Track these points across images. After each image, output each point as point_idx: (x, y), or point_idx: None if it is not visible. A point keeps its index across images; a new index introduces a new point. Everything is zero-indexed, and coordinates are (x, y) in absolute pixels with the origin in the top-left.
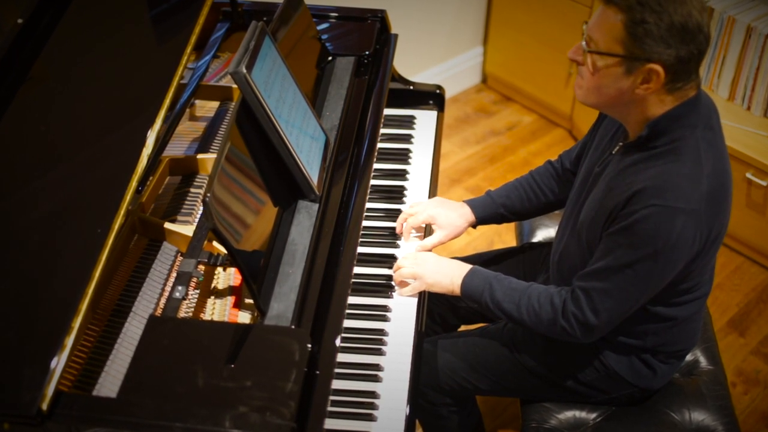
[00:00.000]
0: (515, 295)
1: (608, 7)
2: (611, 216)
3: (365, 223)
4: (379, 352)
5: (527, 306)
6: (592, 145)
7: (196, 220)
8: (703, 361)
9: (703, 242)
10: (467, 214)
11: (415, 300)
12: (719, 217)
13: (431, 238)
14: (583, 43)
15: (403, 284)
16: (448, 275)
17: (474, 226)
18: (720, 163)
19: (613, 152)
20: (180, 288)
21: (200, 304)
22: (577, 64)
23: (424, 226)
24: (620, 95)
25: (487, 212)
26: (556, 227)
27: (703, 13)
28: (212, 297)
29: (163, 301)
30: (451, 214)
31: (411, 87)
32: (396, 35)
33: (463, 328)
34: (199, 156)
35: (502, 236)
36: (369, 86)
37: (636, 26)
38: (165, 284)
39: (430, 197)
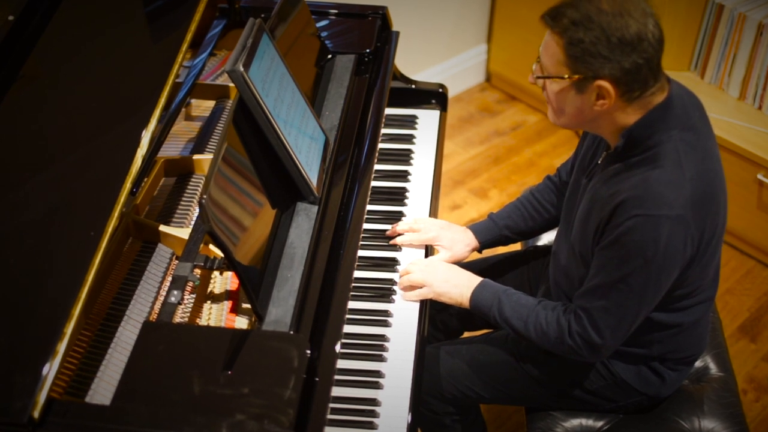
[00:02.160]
0: (523, 312)
1: (549, 32)
2: (598, 230)
3: (366, 225)
4: (380, 359)
5: (535, 323)
6: (580, 156)
7: (192, 222)
8: (713, 368)
9: (696, 246)
10: (470, 239)
11: (417, 305)
12: (710, 220)
13: (437, 257)
14: (534, 66)
15: (409, 289)
16: (458, 286)
17: (479, 251)
18: (705, 164)
19: (599, 162)
20: (175, 292)
21: (196, 309)
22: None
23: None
24: (581, 114)
25: (490, 236)
26: None
27: (646, 19)
28: (209, 301)
29: (158, 305)
30: (456, 236)
31: (413, 86)
32: (397, 32)
33: (466, 334)
34: (195, 157)
35: None
36: (370, 85)
37: (573, 47)
38: (160, 288)
39: (432, 199)
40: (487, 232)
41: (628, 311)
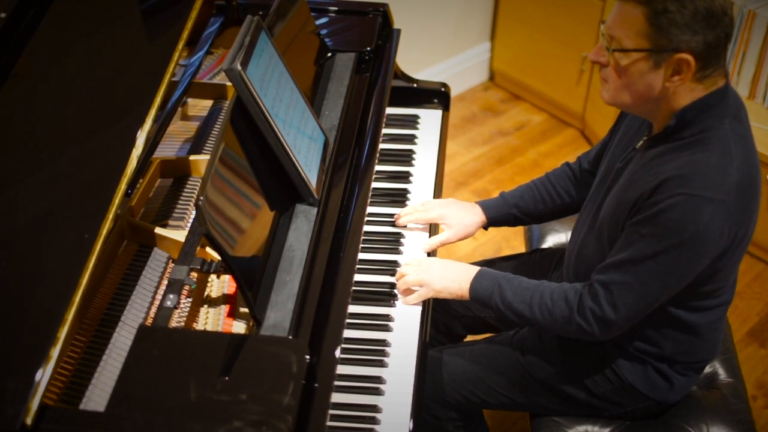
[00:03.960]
0: (526, 294)
1: (626, 2)
2: (635, 207)
3: (366, 227)
4: (381, 364)
5: (540, 304)
6: (612, 144)
7: (189, 224)
8: (722, 373)
9: (732, 237)
10: (478, 215)
11: (419, 309)
12: (748, 213)
13: (439, 237)
14: (602, 41)
15: (408, 292)
16: (456, 279)
17: (486, 227)
18: (750, 156)
19: (637, 147)
20: (171, 296)
21: (193, 313)
22: (600, 66)
23: (428, 225)
24: (650, 91)
25: (498, 213)
26: (568, 233)
27: None
28: (205, 306)
29: (153, 310)
30: (462, 213)
31: (414, 85)
32: (399, 30)
33: (469, 338)
34: (192, 157)
35: (511, 242)
36: (370, 84)
37: (659, 17)
38: (156, 292)
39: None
40: (496, 209)
41: (650, 291)
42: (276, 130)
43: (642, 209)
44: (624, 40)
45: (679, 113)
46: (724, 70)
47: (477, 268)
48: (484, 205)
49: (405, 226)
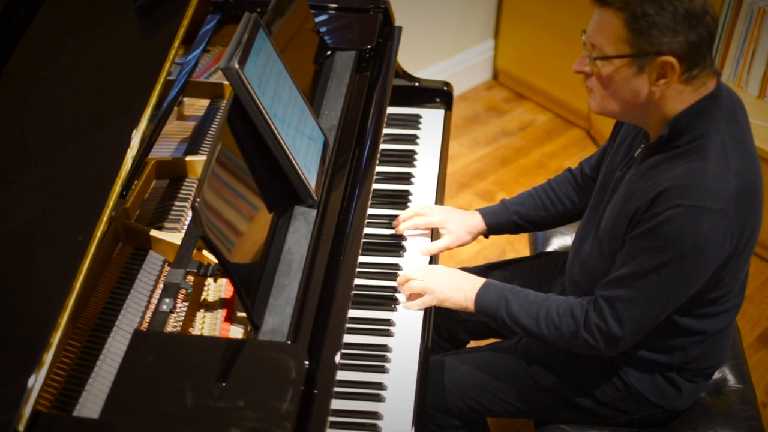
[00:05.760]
0: (533, 309)
1: (604, 9)
2: (634, 219)
3: (367, 230)
4: (382, 370)
5: (546, 319)
6: (611, 150)
7: (185, 227)
8: (731, 379)
9: (735, 245)
10: (478, 222)
11: (421, 314)
12: (750, 218)
13: (438, 243)
14: (584, 52)
15: (411, 297)
16: (462, 290)
17: (486, 235)
18: (749, 160)
19: (635, 155)
20: (167, 300)
21: (189, 318)
22: (584, 75)
23: (430, 230)
24: (636, 97)
25: (499, 220)
26: (573, 236)
27: None
28: (202, 310)
29: (149, 314)
30: (461, 220)
31: (416, 84)
32: (400, 28)
33: (472, 343)
34: (188, 158)
35: (515, 245)
36: (371, 83)
37: (638, 20)
38: (151, 296)
39: (437, 202)
40: (496, 216)
41: (654, 304)
42: (274, 130)
43: (641, 222)
44: (605, 47)
45: (672, 122)
46: (713, 70)
47: (483, 280)
48: (484, 213)
49: (402, 234)
